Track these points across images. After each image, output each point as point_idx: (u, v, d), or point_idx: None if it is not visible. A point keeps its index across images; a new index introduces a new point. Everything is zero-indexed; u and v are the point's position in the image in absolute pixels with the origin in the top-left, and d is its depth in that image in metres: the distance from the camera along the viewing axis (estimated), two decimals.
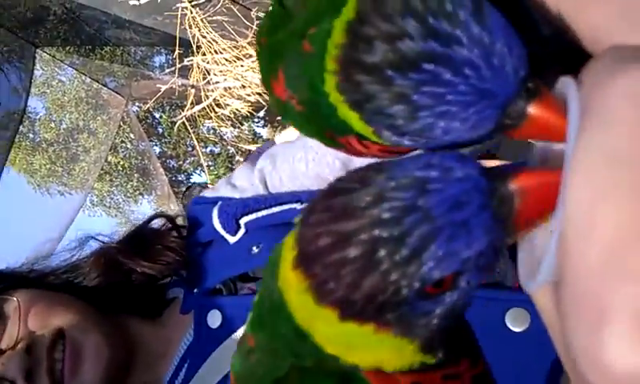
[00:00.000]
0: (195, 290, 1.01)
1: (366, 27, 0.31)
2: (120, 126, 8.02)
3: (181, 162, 10.77)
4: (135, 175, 9.78)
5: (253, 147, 8.44)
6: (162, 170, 9.37)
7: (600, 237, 0.22)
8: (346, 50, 0.32)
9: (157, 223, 1.13)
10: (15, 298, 0.93)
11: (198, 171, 10.79)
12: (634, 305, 0.21)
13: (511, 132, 0.32)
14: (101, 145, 7.95)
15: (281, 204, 0.99)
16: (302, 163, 1.01)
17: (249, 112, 6.66)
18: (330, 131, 0.40)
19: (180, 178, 11.02)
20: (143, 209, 10.46)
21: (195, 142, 7.06)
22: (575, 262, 0.23)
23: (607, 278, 0.22)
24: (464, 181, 0.30)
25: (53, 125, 8.46)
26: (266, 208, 1.00)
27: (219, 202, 1.05)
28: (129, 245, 1.07)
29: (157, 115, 9.97)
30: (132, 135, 8.99)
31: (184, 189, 11.15)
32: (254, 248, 0.96)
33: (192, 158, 10.50)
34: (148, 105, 7.32)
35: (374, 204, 0.31)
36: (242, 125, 7.50)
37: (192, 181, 11.25)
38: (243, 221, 1.00)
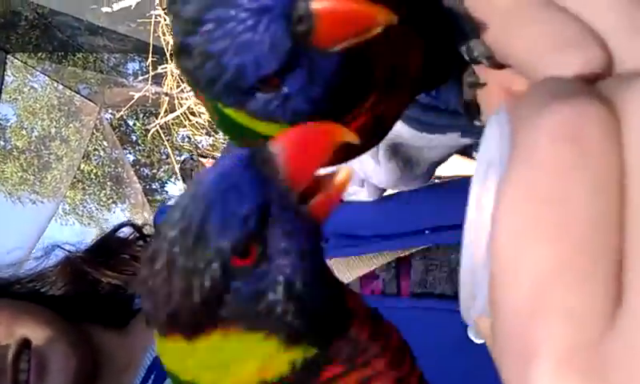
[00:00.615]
0: None
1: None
2: (93, 133, 7.93)
3: (155, 170, 10.69)
4: (108, 183, 9.67)
5: None
6: (135, 178, 9.29)
7: (524, 275, 0.23)
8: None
9: (124, 232, 1.11)
10: None
11: (172, 179, 10.72)
12: (558, 343, 0.22)
13: (313, 38, 0.33)
14: (73, 153, 7.86)
15: None
16: None
17: None
18: (250, 140, 0.40)
19: (154, 186, 10.94)
20: (116, 217, 10.35)
21: (169, 151, 7.02)
22: (502, 299, 0.24)
23: (531, 317, 0.22)
24: (228, 159, 0.33)
25: (24, 132, 8.34)
26: None
27: None
28: (95, 254, 1.05)
29: (130, 123, 9.88)
30: (105, 143, 8.90)
31: (157, 197, 11.05)
32: None
33: (166, 166, 10.42)
34: (121, 112, 7.27)
35: (168, 228, 0.33)
36: (217, 133, 7.49)
37: (166, 189, 11.17)
38: None
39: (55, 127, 7.94)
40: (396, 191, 0.96)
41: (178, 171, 8.45)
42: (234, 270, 0.32)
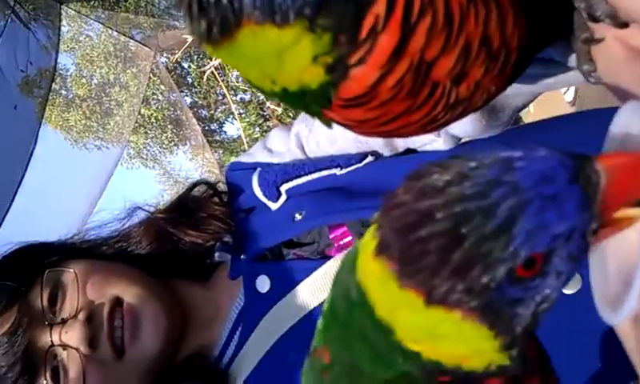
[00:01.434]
0: (242, 256, 1.02)
1: None
2: (150, 78, 8.03)
3: (212, 111, 10.79)
4: (169, 126, 9.85)
5: None
6: (194, 119, 9.42)
7: None
8: None
9: (199, 190, 1.14)
10: (72, 270, 0.96)
11: (230, 119, 10.81)
12: None
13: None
14: (133, 98, 7.99)
15: (320, 170, 0.99)
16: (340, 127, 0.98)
17: None
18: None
19: (213, 127, 11.07)
20: (179, 159, 10.59)
21: (225, 91, 7.02)
22: None
23: None
24: (549, 158, 0.30)
25: (84, 80, 8.51)
26: (306, 174, 1.00)
27: (258, 169, 1.05)
28: (174, 214, 1.09)
29: (185, 65, 9.94)
30: (162, 87, 9.01)
31: (217, 138, 11.22)
32: (297, 215, 0.97)
33: (223, 107, 10.50)
34: (177, 55, 7.30)
35: (456, 182, 0.30)
36: None
37: (224, 129, 11.30)
38: (284, 188, 1.00)
39: (113, 74, 8.06)
40: (469, 140, 0.94)
41: (234, 111, 8.51)
42: (515, 278, 0.31)
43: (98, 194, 6.18)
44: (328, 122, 0.48)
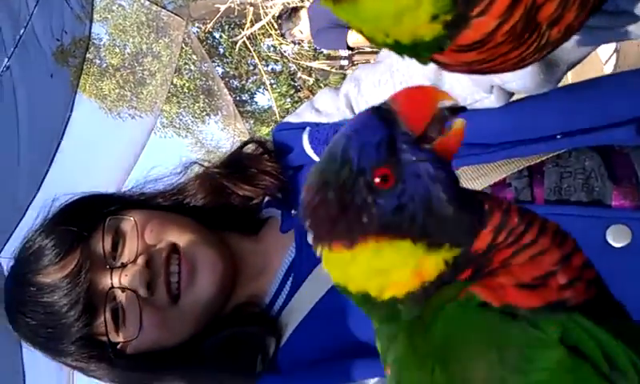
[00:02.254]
0: (293, 211, 1.05)
1: None
2: (182, 48, 8.06)
3: (244, 82, 10.80)
4: (201, 96, 9.91)
5: (314, 64, 8.34)
6: (225, 90, 9.45)
7: None
8: None
9: (250, 148, 1.17)
10: (132, 218, 1.01)
11: (261, 90, 10.82)
12: None
13: None
14: (165, 67, 8.04)
15: None
16: (389, 86, 0.98)
17: None
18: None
19: (244, 98, 11.09)
20: (211, 128, 10.66)
21: (257, 61, 7.01)
22: None
23: None
24: (361, 115, 0.45)
25: (117, 50, 8.59)
26: None
27: (307, 128, 1.06)
28: (229, 169, 1.11)
29: (217, 35, 9.94)
30: (194, 57, 9.04)
31: (248, 108, 11.24)
32: None
33: (254, 77, 10.50)
34: (209, 25, 7.30)
35: (320, 171, 0.43)
36: (302, 42, 7.38)
37: (255, 100, 11.31)
38: None
39: (146, 43, 8.12)
40: (523, 96, 0.94)
41: (265, 81, 8.50)
42: (377, 190, 0.41)
43: (133, 162, 6.28)
44: (426, 62, 0.53)
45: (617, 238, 0.77)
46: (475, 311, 0.37)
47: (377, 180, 0.40)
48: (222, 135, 10.32)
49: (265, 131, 10.92)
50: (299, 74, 8.98)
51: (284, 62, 9.20)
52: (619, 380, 0.34)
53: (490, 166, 0.89)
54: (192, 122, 10.59)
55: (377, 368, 0.81)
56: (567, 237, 0.42)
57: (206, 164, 1.14)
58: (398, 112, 0.42)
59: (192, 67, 9.47)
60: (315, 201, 0.42)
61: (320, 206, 0.42)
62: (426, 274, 0.40)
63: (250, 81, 10.79)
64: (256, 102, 11.32)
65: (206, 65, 9.20)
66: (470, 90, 0.89)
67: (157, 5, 7.13)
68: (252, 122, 11.13)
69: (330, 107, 1.08)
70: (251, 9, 5.98)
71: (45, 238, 1.00)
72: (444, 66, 0.53)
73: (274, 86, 9.54)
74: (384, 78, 0.98)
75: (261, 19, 6.02)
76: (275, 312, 1.04)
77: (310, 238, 0.45)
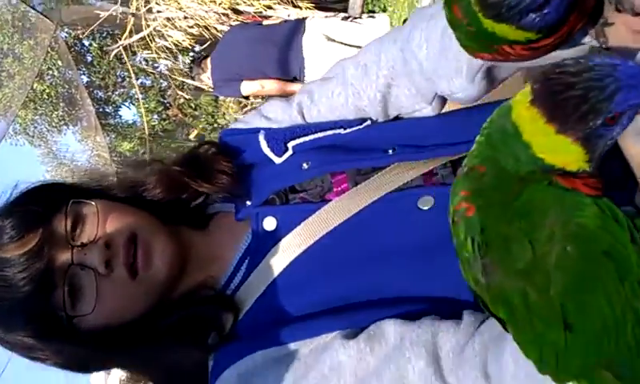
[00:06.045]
0: (248, 203, 1.15)
1: None
2: (48, 52, 7.67)
3: (110, 93, 10.44)
4: (61, 104, 9.41)
5: (188, 80, 8.28)
6: (89, 100, 9.07)
7: None
8: None
9: (204, 148, 1.24)
10: (94, 203, 1.07)
11: (127, 103, 10.51)
12: None
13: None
14: (26, 71, 7.60)
15: (325, 130, 1.15)
16: (342, 97, 1.17)
17: (190, 44, 6.57)
18: (489, 43, 0.71)
19: (108, 110, 10.70)
20: (67, 140, 10.12)
21: (131, 73, 6.90)
22: None
23: None
24: (633, 66, 0.59)
25: None
26: (313, 133, 1.15)
27: (262, 131, 1.19)
28: (189, 168, 1.19)
29: (86, 43, 9.56)
30: (60, 62, 8.61)
31: (111, 121, 10.79)
32: (304, 164, 1.12)
33: (121, 90, 10.20)
34: (80, 31, 7.05)
35: (587, 71, 0.58)
36: (177, 58, 7.38)
37: (120, 113, 10.96)
38: (291, 144, 1.15)
39: (8, 44, 7.61)
40: (452, 109, 1.16)
41: (137, 94, 8.30)
42: (605, 123, 0.58)
43: None
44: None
45: (424, 204, 1.03)
46: (555, 186, 0.61)
47: (610, 117, 0.57)
48: (79, 147, 9.86)
49: (126, 146, 10.55)
50: (169, 92, 8.89)
51: (155, 77, 9.06)
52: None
53: (421, 162, 1.08)
54: (48, 130, 10.01)
55: (335, 324, 0.97)
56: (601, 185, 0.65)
57: (165, 161, 1.22)
58: None
59: (55, 73, 9.00)
60: (569, 97, 0.56)
61: (570, 103, 0.56)
62: (568, 167, 0.60)
63: (116, 93, 10.45)
64: (120, 116, 10.96)
65: (70, 72, 8.78)
66: (412, 101, 1.11)
67: (25, 4, 6.76)
68: (113, 136, 10.75)
69: (280, 115, 1.22)
70: (132, 19, 5.92)
71: (6, 218, 1.02)
72: (506, 54, 0.74)
73: (143, 101, 9.33)
74: (337, 90, 1.17)
75: (141, 30, 5.97)
76: (231, 290, 1.12)
77: (538, 109, 0.60)
